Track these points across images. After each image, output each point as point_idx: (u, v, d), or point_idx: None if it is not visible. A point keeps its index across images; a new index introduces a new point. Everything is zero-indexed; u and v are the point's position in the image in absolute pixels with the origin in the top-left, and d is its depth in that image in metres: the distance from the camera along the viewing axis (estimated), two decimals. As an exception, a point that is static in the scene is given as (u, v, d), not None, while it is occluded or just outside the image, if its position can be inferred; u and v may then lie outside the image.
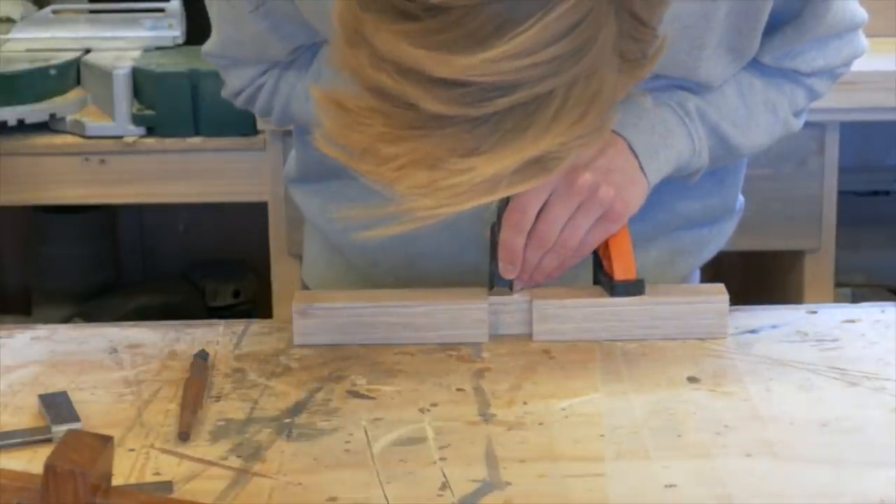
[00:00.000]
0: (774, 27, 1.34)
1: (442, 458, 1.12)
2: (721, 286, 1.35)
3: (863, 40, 1.40)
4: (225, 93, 1.46)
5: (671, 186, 1.39)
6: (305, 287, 1.58)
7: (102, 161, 2.40)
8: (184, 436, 1.16)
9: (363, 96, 0.94)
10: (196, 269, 3.02)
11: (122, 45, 2.55)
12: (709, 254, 1.51)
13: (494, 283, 1.33)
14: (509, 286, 1.33)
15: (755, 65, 1.38)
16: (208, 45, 1.42)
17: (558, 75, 0.91)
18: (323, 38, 1.36)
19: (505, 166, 0.94)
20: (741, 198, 1.52)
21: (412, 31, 0.91)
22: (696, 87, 1.36)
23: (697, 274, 1.53)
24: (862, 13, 1.38)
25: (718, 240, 1.51)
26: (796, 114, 1.42)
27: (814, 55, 1.37)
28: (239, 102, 1.45)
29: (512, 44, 0.90)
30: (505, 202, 1.32)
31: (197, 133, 2.41)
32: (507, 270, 1.32)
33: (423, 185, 0.95)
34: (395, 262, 1.46)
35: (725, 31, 1.30)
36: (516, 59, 0.90)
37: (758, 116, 1.38)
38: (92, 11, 2.66)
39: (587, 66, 0.92)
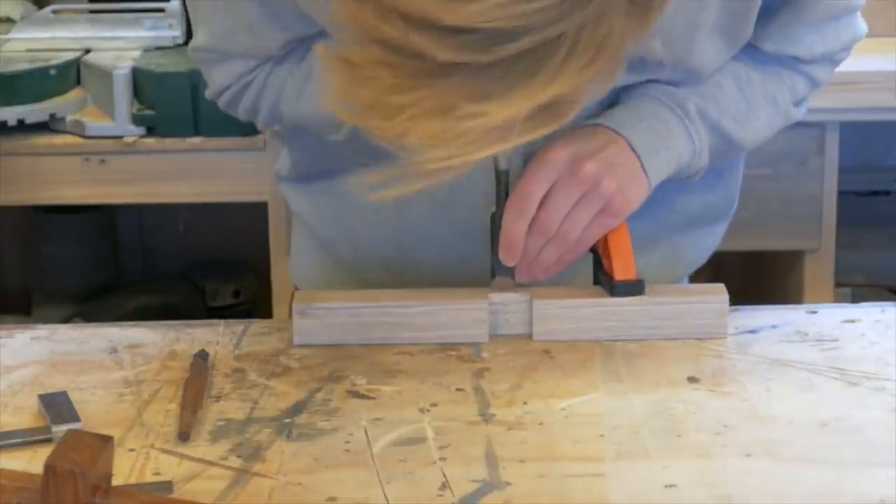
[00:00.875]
0: (770, 10, 1.34)
1: (442, 458, 1.12)
2: (721, 286, 1.35)
3: (862, 24, 1.40)
4: (208, 92, 1.43)
5: (671, 184, 1.39)
6: (296, 286, 1.58)
7: (102, 161, 2.40)
8: (184, 436, 1.16)
9: (369, 50, 0.93)
10: (196, 269, 3.02)
11: (122, 45, 2.55)
12: (705, 257, 1.52)
13: (496, 271, 1.33)
14: (511, 276, 1.33)
15: (754, 55, 1.37)
16: (197, 41, 1.39)
17: (566, 19, 0.90)
18: (318, 29, 1.35)
19: (517, 111, 0.92)
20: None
21: None
22: (690, 77, 1.35)
23: (686, 281, 1.53)
24: None
25: (714, 241, 1.52)
26: (797, 103, 1.41)
27: (813, 40, 1.37)
28: (222, 102, 1.43)
29: None
30: (504, 190, 1.32)
31: (197, 133, 2.40)
32: (506, 257, 1.31)
33: (434, 134, 0.93)
34: (386, 253, 1.45)
35: (719, 13, 1.30)
36: (524, 3, 0.88)
37: (758, 110, 1.38)
38: (92, 11, 2.65)
39: (595, 9, 0.91)
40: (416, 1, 0.90)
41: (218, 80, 1.40)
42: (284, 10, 1.33)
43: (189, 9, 1.40)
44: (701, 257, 1.51)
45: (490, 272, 1.33)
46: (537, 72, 0.91)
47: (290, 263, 1.59)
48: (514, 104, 0.92)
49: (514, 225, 1.30)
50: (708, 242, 1.51)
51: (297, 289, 1.56)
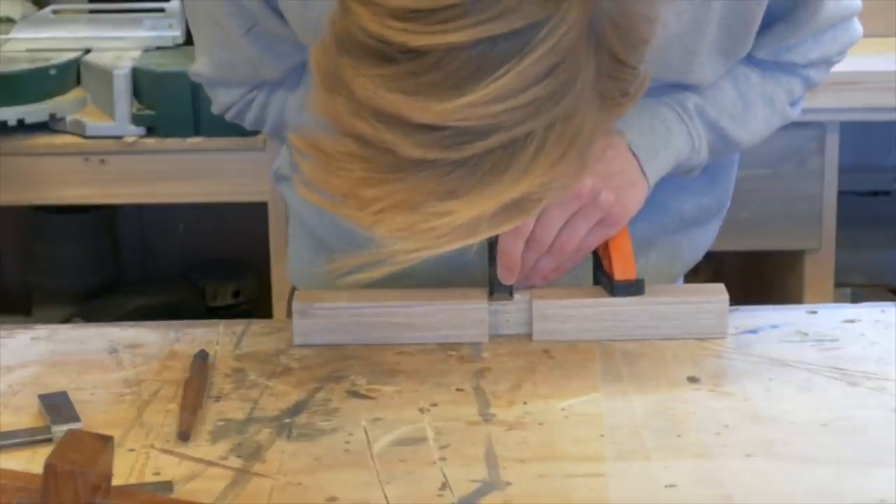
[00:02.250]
0: (768, 24, 1.34)
1: (442, 458, 1.12)
2: (721, 286, 1.35)
3: (858, 27, 1.40)
4: (213, 109, 1.45)
5: (669, 189, 1.39)
6: (293, 284, 1.58)
7: (102, 161, 2.40)
8: (184, 436, 1.16)
9: (342, 141, 0.94)
10: (196, 269, 3.02)
11: (122, 45, 2.55)
12: (700, 255, 1.52)
13: (494, 289, 1.33)
14: (510, 292, 1.33)
15: (750, 59, 1.38)
16: (198, 67, 1.40)
17: (536, 118, 0.91)
18: None
19: (483, 210, 0.94)
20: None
21: (390, 75, 0.91)
22: (687, 88, 1.35)
23: (681, 281, 1.53)
24: (856, 1, 1.38)
25: (709, 239, 1.52)
26: (793, 103, 1.42)
27: (809, 46, 1.37)
28: (228, 117, 1.45)
29: (490, 88, 0.89)
30: None
31: (197, 133, 2.40)
32: (505, 276, 1.31)
33: (402, 228, 0.95)
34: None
35: (718, 37, 1.30)
36: (494, 104, 0.90)
37: (756, 109, 1.39)
38: (92, 11, 2.65)
39: (566, 108, 0.92)
40: (387, 98, 0.91)
41: (222, 100, 1.43)
42: (281, 43, 1.34)
43: (192, 31, 1.41)
44: (696, 256, 1.51)
45: (489, 289, 1.33)
46: (506, 169, 0.92)
47: (287, 262, 1.59)
48: (482, 202, 0.93)
49: (512, 245, 1.30)
50: (703, 241, 1.51)
51: (294, 287, 1.56)
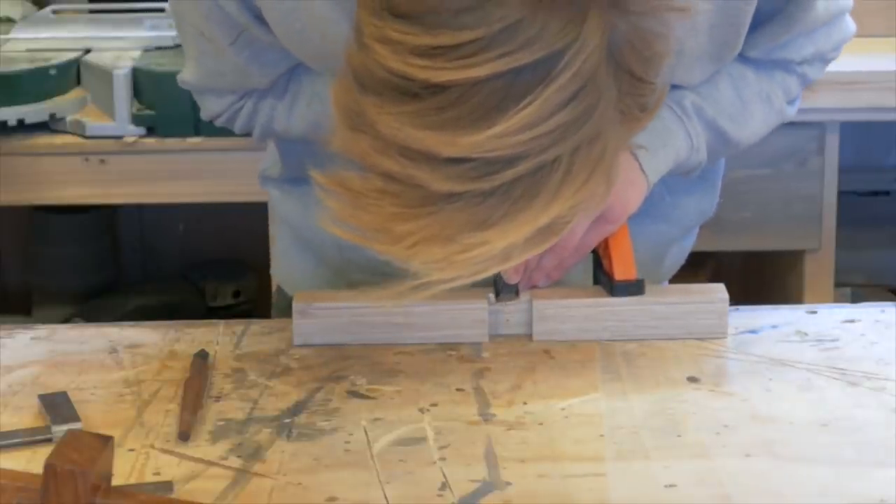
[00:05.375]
0: (759, 23, 1.34)
1: (442, 458, 1.12)
2: (721, 286, 1.35)
3: (851, 23, 1.40)
4: (203, 115, 1.45)
5: (672, 193, 1.39)
6: (280, 287, 1.58)
7: (102, 161, 2.40)
8: (184, 436, 1.16)
9: (369, 178, 0.94)
10: (196, 269, 3.02)
11: (122, 45, 2.54)
12: (684, 258, 1.52)
13: (500, 289, 1.33)
14: (515, 291, 1.33)
15: (745, 57, 1.38)
16: (186, 75, 1.40)
17: (563, 143, 0.92)
18: (301, 61, 1.35)
19: (517, 237, 0.94)
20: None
21: (414, 112, 0.91)
22: (675, 88, 1.35)
23: (666, 283, 1.53)
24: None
25: (692, 241, 1.52)
26: (790, 101, 1.42)
27: (802, 43, 1.37)
28: (218, 123, 1.44)
29: (516, 118, 0.90)
30: None
31: (197, 133, 2.40)
32: (510, 276, 1.32)
33: (438, 260, 0.95)
34: (371, 255, 1.45)
35: (707, 39, 1.30)
36: (521, 133, 0.90)
37: (753, 108, 1.39)
38: (92, 11, 2.65)
39: (590, 130, 0.92)
40: (413, 135, 0.91)
41: (210, 107, 1.42)
42: (268, 52, 1.33)
43: (180, 39, 1.41)
44: (682, 260, 1.52)
45: (495, 291, 1.33)
46: (536, 195, 0.93)
47: (274, 265, 1.59)
48: (515, 230, 0.94)
49: None
50: (689, 244, 1.52)
51: (280, 288, 1.56)
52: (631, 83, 0.95)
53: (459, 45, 0.89)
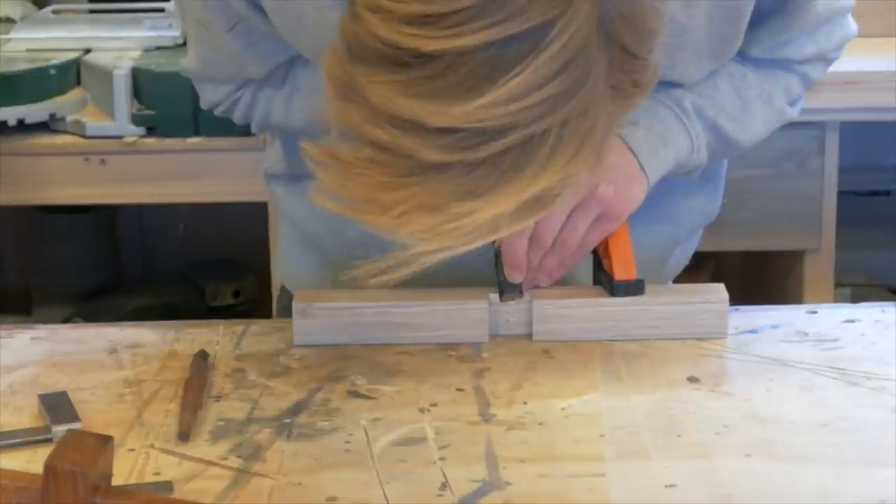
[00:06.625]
0: (759, 21, 1.33)
1: (442, 458, 1.12)
2: (721, 286, 1.35)
3: (852, 24, 1.40)
4: (202, 104, 1.45)
5: (677, 195, 1.39)
6: (283, 285, 1.58)
7: (102, 161, 2.40)
8: (184, 436, 1.16)
9: (359, 148, 0.95)
10: (196, 269, 3.02)
11: (122, 45, 2.55)
12: (688, 259, 1.52)
13: (504, 289, 1.33)
14: (519, 291, 1.33)
15: (746, 57, 1.38)
16: (186, 62, 1.41)
17: (552, 115, 0.92)
18: (299, 53, 1.36)
19: (504, 207, 0.94)
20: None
21: (404, 81, 0.91)
22: (671, 87, 1.35)
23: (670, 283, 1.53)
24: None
25: (696, 243, 1.52)
26: (792, 102, 1.41)
27: (803, 41, 1.37)
28: (217, 112, 1.45)
29: (505, 88, 0.90)
30: None
31: (197, 133, 2.40)
32: (513, 275, 1.32)
33: (425, 229, 0.95)
34: (374, 255, 1.45)
35: (706, 35, 1.30)
36: (510, 103, 0.90)
37: (754, 108, 1.38)
38: (92, 11, 2.65)
39: (580, 103, 0.92)
40: (404, 104, 0.91)
41: (209, 97, 1.43)
42: (265, 41, 1.34)
43: (182, 26, 1.41)
44: (686, 261, 1.52)
45: (498, 291, 1.33)
46: (524, 167, 0.93)
47: (276, 263, 1.59)
48: (502, 201, 0.94)
49: (514, 243, 1.30)
50: (693, 245, 1.52)
51: (284, 288, 1.56)
52: (623, 58, 0.95)
53: (450, 14, 0.89)
